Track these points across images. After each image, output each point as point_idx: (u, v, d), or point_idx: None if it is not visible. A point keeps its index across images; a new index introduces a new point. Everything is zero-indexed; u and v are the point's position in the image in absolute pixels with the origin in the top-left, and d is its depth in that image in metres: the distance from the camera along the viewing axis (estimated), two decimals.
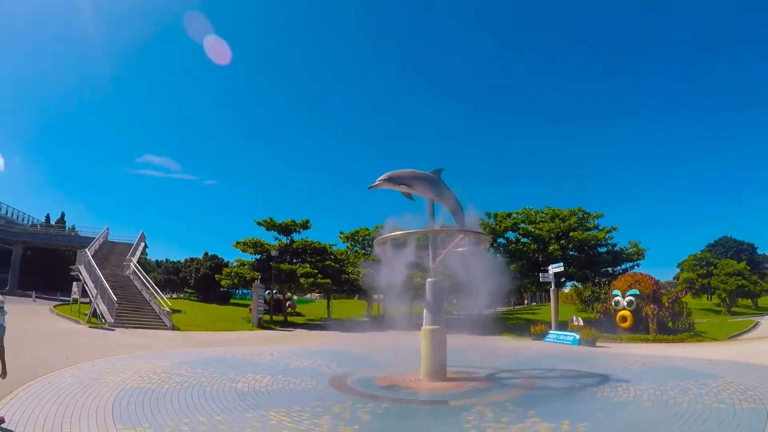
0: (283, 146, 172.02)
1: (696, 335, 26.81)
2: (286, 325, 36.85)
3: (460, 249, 14.00)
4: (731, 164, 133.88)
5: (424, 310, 12.92)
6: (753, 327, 33.50)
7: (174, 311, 30.68)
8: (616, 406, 9.08)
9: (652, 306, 27.01)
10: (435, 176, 13.45)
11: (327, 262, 40.37)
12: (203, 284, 57.33)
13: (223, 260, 58.29)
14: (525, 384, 11.80)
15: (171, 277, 66.80)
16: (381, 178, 12.82)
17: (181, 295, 67.26)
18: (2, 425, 7.06)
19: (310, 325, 38.04)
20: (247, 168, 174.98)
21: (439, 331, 12.35)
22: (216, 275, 44.26)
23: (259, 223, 41.11)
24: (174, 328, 26.95)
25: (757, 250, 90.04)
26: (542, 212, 40.54)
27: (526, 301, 79.86)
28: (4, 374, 7.12)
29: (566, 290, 46.69)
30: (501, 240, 39.73)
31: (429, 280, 12.97)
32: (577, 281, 41.93)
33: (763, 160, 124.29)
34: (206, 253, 63.89)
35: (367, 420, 8.07)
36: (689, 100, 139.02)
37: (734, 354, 17.23)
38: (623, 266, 38.24)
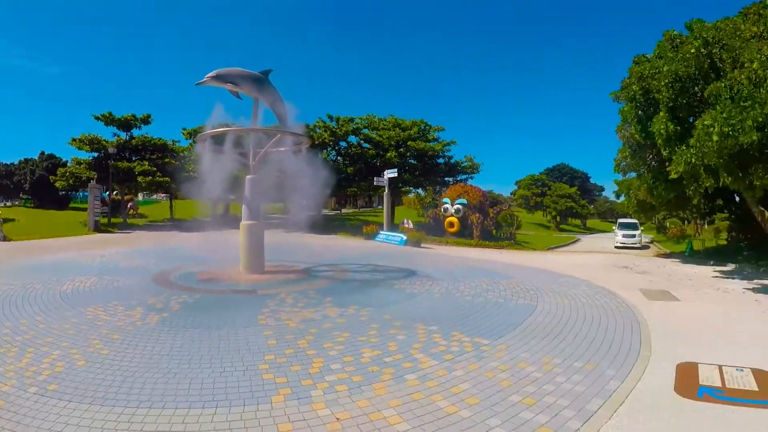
0: (132, 39, 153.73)
1: (516, 244, 30.47)
2: (125, 227, 35.83)
3: (282, 149, 14.74)
4: (580, 101, 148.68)
5: (243, 206, 13.57)
6: (573, 242, 39.02)
7: (6, 220, 28.40)
8: (406, 297, 10.71)
9: (477, 215, 30.71)
10: (262, 76, 13.82)
11: (167, 160, 38.91)
12: (40, 188, 52.43)
13: (62, 160, 53.39)
14: (335, 276, 13.48)
15: (3, 182, 59.89)
16: (208, 75, 13.11)
17: (16, 203, 60.89)
18: None
19: (150, 227, 37.44)
20: (95, 57, 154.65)
21: (256, 226, 13.30)
22: (52, 177, 40.63)
23: (97, 118, 37.87)
24: (5, 239, 25.00)
25: (590, 179, 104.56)
26: (385, 120, 41.90)
27: (374, 204, 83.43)
28: None
29: (411, 196, 50.18)
30: (342, 143, 40.96)
31: (248, 177, 13.54)
32: (413, 188, 45.10)
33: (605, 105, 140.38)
34: (42, 153, 57.73)
35: (176, 309, 9.14)
36: None
37: (540, 261, 19.66)
38: (459, 177, 41.91)
